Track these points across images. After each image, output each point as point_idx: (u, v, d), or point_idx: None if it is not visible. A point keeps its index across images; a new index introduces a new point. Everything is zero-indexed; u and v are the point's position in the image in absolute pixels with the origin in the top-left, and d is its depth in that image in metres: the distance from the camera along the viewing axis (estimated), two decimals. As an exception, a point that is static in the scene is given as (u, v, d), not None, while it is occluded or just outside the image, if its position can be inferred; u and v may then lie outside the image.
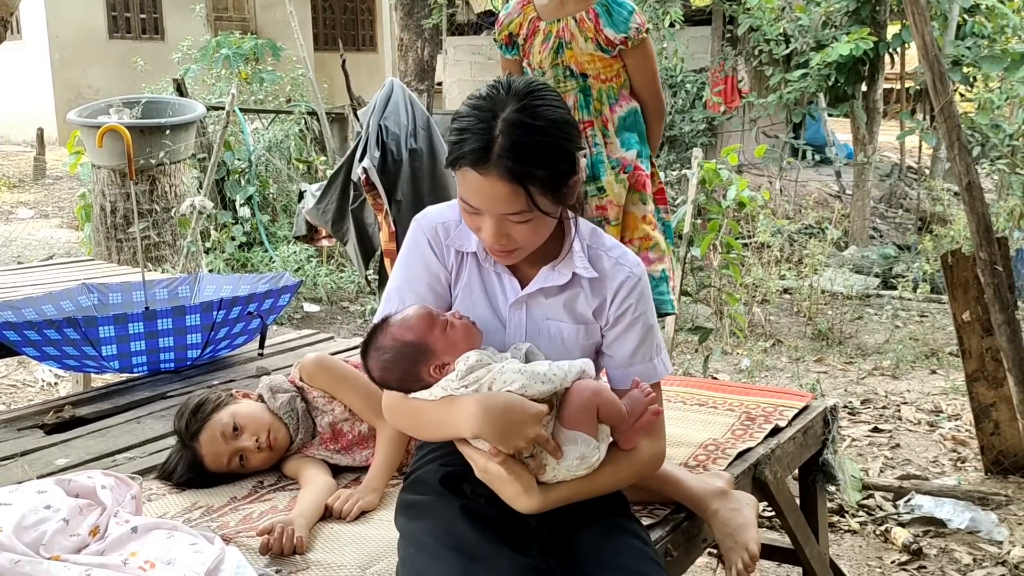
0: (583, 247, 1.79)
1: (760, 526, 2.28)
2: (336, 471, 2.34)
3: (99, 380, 4.11)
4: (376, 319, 1.79)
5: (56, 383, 5.47)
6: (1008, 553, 3.56)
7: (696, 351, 6.04)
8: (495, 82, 1.68)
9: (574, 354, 1.76)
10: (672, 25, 10.72)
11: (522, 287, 1.77)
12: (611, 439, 1.72)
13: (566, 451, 1.65)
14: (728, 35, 11.16)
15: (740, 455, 2.49)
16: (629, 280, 1.78)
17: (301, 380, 2.45)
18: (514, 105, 1.62)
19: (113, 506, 1.89)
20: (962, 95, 9.98)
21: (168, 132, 7.26)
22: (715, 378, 5.33)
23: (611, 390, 1.78)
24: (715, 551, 2.35)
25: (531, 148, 1.60)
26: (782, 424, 2.69)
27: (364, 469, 2.31)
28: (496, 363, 1.67)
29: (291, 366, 2.58)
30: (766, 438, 2.61)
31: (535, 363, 1.68)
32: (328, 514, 2.11)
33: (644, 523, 2.01)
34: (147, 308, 3.24)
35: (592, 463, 1.68)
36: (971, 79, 9.94)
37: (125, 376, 3.24)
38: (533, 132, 1.61)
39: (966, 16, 9.48)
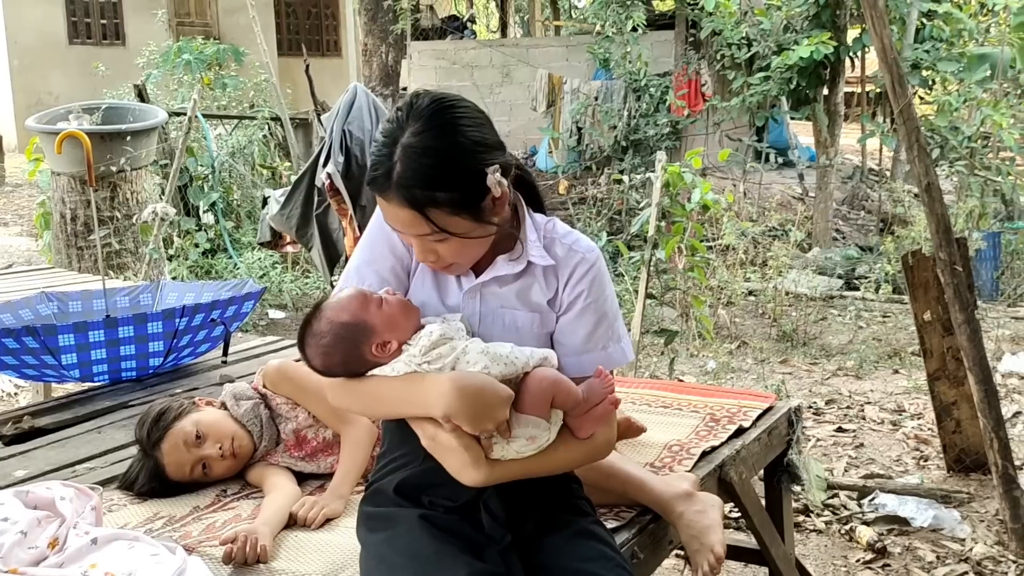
0: (539, 236, 1.77)
1: (726, 527, 2.29)
2: (301, 478, 2.32)
3: (59, 390, 4.05)
4: None
5: (16, 393, 5.39)
6: (971, 550, 3.60)
7: (662, 353, 6.06)
8: (403, 103, 1.66)
9: (529, 343, 1.74)
10: (635, 29, 10.77)
11: (476, 276, 1.76)
12: (562, 423, 1.71)
13: (517, 432, 1.65)
14: (691, 39, 11.22)
15: (705, 456, 2.50)
16: (582, 265, 1.76)
17: (264, 387, 2.43)
18: (413, 128, 1.61)
19: (73, 517, 1.86)
20: (921, 98, 10.11)
21: (129, 138, 7.18)
22: (681, 380, 5.36)
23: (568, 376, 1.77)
24: (681, 552, 2.36)
25: (425, 173, 1.59)
26: (746, 425, 2.71)
27: (329, 476, 2.29)
28: (459, 340, 1.66)
29: (255, 373, 2.56)
30: (730, 439, 2.62)
31: (497, 344, 1.68)
32: (292, 522, 2.09)
33: (610, 526, 2.01)
34: (108, 316, 3.20)
35: (541, 444, 1.67)
36: (930, 82, 10.06)
37: (86, 385, 3.20)
38: (428, 155, 1.59)
39: (924, 20, 9.60)
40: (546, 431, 1.68)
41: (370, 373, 1.68)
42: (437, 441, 1.64)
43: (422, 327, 1.70)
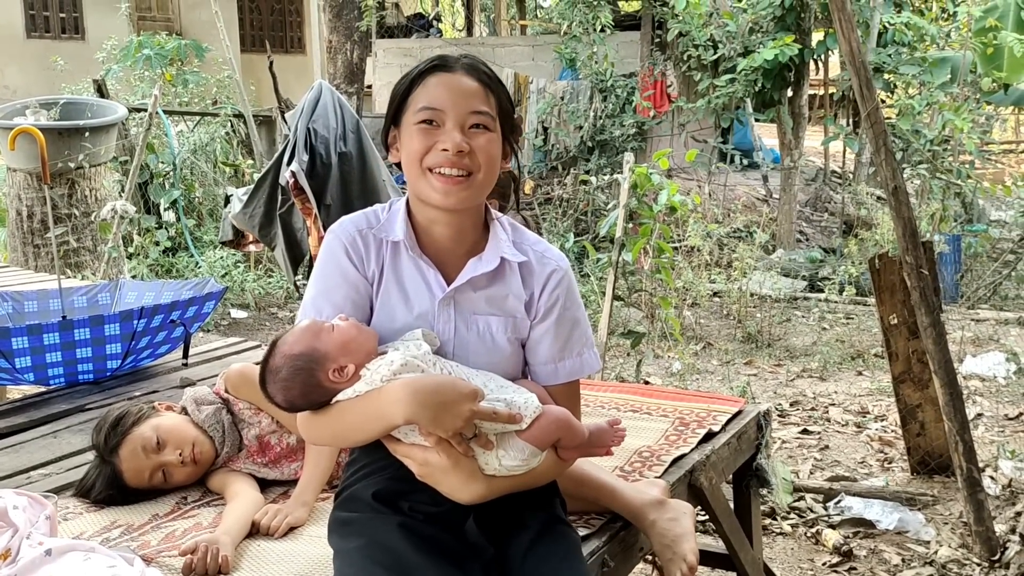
0: (508, 238, 1.78)
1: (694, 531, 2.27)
2: (263, 485, 2.27)
3: (14, 392, 3.95)
4: None
5: (-31, 394, 5.26)
6: (935, 553, 3.61)
7: (628, 355, 6.05)
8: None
9: (504, 350, 1.74)
10: (603, 30, 10.77)
11: (448, 284, 1.74)
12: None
13: (512, 454, 1.65)
14: (657, 40, 11.23)
15: (675, 461, 2.48)
16: (556, 273, 1.78)
17: (226, 391, 2.37)
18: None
19: (26, 527, 1.80)
20: (883, 101, 10.19)
21: (88, 134, 7.05)
22: (647, 382, 5.34)
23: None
24: (651, 558, 2.33)
25: (488, 74, 1.72)
26: (716, 429, 2.69)
27: (293, 483, 2.25)
28: (429, 367, 1.64)
29: (218, 376, 2.50)
30: (700, 443, 2.60)
31: (476, 373, 1.69)
32: (255, 530, 2.05)
33: (580, 533, 1.98)
34: (64, 317, 3.12)
35: (532, 465, 1.69)
36: (892, 86, 10.16)
37: (41, 388, 3.12)
38: (487, 66, 1.74)
39: (887, 25, 9.69)
40: (539, 456, 1.70)
41: (334, 400, 1.66)
42: (430, 464, 1.62)
43: (383, 353, 1.67)
